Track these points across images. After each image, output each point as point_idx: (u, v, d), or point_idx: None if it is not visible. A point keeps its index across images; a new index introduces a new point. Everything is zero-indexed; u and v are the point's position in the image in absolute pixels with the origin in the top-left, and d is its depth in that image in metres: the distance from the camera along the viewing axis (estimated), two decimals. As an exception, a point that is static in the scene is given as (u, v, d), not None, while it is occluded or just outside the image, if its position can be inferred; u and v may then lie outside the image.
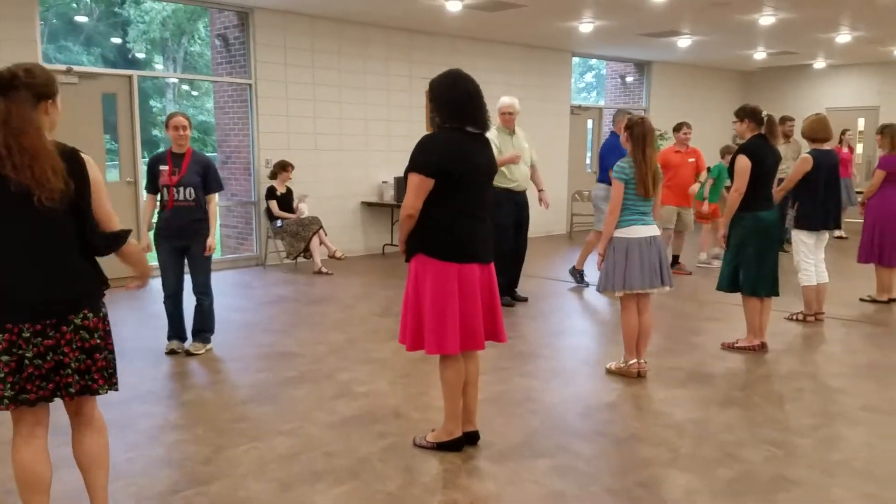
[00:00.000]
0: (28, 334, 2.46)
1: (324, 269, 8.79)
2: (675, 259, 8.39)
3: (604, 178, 7.50)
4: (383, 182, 10.45)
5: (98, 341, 2.60)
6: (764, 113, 5.37)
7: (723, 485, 3.31)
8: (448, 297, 3.38)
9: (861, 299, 7.16)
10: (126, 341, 5.82)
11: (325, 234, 9.04)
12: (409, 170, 3.42)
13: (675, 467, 3.49)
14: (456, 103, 3.47)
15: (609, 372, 4.96)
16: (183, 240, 5.20)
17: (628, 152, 4.71)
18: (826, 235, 6.33)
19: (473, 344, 3.50)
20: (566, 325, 6.41)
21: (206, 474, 3.40)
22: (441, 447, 3.62)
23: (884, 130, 7.30)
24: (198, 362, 5.21)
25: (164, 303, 5.41)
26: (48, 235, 2.50)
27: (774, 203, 5.54)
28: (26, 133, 2.41)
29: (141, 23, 24.96)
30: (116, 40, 25.78)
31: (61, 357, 2.51)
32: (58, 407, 2.66)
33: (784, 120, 9.56)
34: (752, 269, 5.33)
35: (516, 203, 6.78)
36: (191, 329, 5.44)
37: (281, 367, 5.06)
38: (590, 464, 3.54)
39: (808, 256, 6.21)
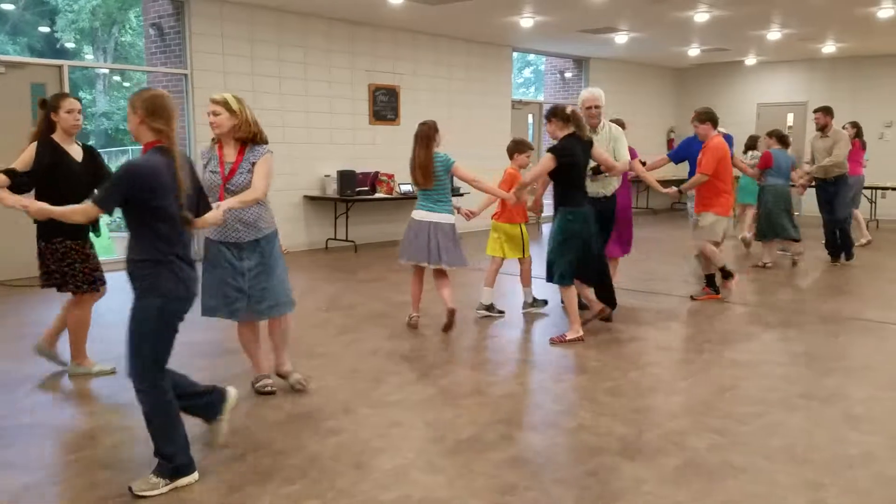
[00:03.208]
0: None
1: (265, 265, 8.62)
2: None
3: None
4: (326, 176, 10.32)
5: None
6: (569, 109, 5.46)
7: (670, 472, 3.36)
8: None
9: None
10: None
11: (266, 229, 8.86)
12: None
13: (624, 456, 3.53)
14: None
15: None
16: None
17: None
18: None
19: None
20: (510, 318, 6.43)
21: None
22: None
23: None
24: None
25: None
26: None
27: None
28: None
29: (70, 12, 24.08)
30: (44, 29, 24.83)
31: None
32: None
33: (818, 111, 9.00)
34: (572, 260, 5.44)
35: (598, 211, 5.83)
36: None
37: (223, 365, 4.93)
38: (540, 455, 3.55)
39: None
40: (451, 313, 5.67)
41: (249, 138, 4.02)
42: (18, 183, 4.24)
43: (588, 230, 5.49)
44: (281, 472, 3.33)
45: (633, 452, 3.58)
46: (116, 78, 26.88)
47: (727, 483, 3.26)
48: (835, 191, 8.77)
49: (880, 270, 8.80)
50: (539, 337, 5.87)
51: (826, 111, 8.78)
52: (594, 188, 5.96)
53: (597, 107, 5.94)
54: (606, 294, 6.14)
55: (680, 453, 3.57)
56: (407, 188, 10.82)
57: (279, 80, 9.83)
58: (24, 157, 4.35)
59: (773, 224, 8.55)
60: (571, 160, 5.34)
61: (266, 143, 4.12)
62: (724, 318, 6.39)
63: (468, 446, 3.63)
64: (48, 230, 4.39)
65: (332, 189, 10.23)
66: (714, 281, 7.01)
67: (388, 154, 11.19)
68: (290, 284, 4.27)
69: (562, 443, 3.71)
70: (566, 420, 4.02)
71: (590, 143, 5.51)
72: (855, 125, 10.72)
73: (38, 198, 4.12)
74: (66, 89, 8.26)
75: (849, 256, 9.04)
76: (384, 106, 11.12)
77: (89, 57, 25.63)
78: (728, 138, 7.73)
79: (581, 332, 5.58)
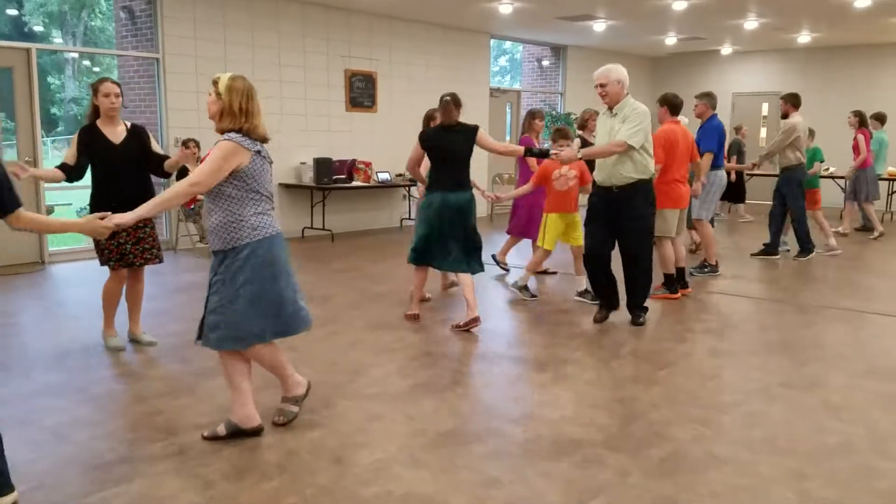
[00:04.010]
0: None
1: (240, 254, 8.48)
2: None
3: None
4: (301, 163, 10.18)
5: None
6: (445, 98, 5.60)
7: (655, 464, 3.33)
8: None
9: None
10: (26, 331, 5.47)
11: (241, 217, 8.72)
12: None
13: (608, 448, 3.50)
14: None
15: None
16: None
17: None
18: None
19: None
20: (488, 309, 6.38)
21: (121, 474, 3.19)
22: None
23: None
24: (107, 354, 4.92)
25: None
26: None
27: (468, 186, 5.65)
28: None
29: (37, -6, 23.56)
30: (12, 12, 24.25)
31: None
32: None
33: (781, 98, 8.74)
34: (418, 243, 5.65)
35: (604, 200, 5.64)
36: None
37: (196, 358, 4.82)
38: (523, 448, 3.50)
39: None
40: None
41: (233, 129, 3.35)
42: (72, 172, 4.71)
43: (439, 216, 5.51)
44: (258, 468, 3.25)
45: (618, 444, 3.54)
46: (86, 63, 26.38)
47: (712, 475, 3.24)
48: (780, 181, 8.59)
49: (854, 259, 8.87)
50: (519, 327, 5.82)
51: (786, 99, 8.52)
52: (599, 177, 5.62)
53: (601, 85, 5.46)
54: (609, 293, 5.86)
55: (664, 444, 3.54)
56: (385, 176, 10.73)
57: (252, 66, 9.65)
58: (71, 147, 4.78)
59: None
60: (429, 145, 5.61)
61: (256, 139, 3.39)
62: (700, 307, 6.40)
63: (450, 439, 3.57)
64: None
65: (308, 177, 10.10)
66: (672, 280, 6.64)
67: (366, 142, 11.08)
68: (245, 318, 3.40)
69: (545, 435, 3.66)
70: (548, 411, 3.97)
71: (471, 132, 5.53)
72: (858, 114, 10.57)
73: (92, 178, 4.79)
74: (34, 74, 8.05)
75: (806, 251, 8.68)
76: (361, 92, 10.98)
77: (58, 41, 25.13)
78: (718, 126, 7.64)
79: (416, 311, 5.83)
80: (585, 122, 8.37)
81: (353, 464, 3.30)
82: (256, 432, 3.56)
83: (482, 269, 5.73)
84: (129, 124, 4.93)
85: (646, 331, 5.60)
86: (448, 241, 5.54)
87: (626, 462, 3.35)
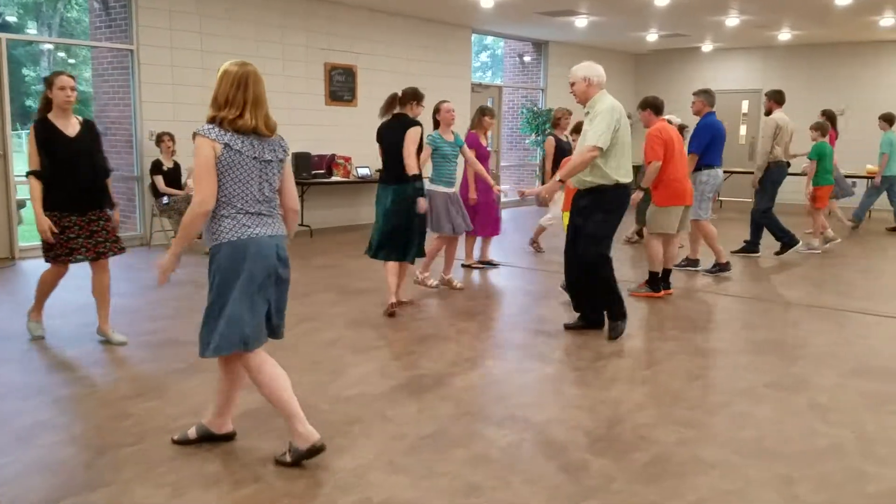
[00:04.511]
0: None
1: (216, 250, 8.32)
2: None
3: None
4: (279, 158, 10.00)
5: None
6: (399, 93, 5.85)
7: (640, 469, 3.24)
8: None
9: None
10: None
11: (217, 213, 8.55)
12: None
13: (592, 452, 3.40)
14: None
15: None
16: None
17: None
18: None
19: None
20: (473, 307, 6.28)
21: (87, 480, 3.05)
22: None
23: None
24: (74, 353, 4.75)
25: None
26: None
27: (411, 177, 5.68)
28: None
29: (10, -16, 23.08)
30: (-18, 2, 23.79)
31: None
32: None
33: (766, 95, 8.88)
34: (380, 235, 5.83)
35: (574, 200, 5.42)
36: None
37: (168, 357, 4.68)
38: (505, 452, 3.40)
39: None
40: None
41: (210, 120, 3.08)
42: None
43: (380, 207, 5.79)
44: (231, 475, 3.12)
45: (603, 448, 3.45)
46: (62, 54, 25.95)
47: (698, 479, 3.16)
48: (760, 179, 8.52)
49: (836, 257, 8.86)
50: (501, 327, 5.73)
51: (769, 95, 8.46)
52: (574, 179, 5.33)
53: (570, 84, 5.21)
54: (580, 301, 5.48)
55: (649, 448, 3.46)
56: (364, 171, 10.58)
57: (231, 57, 9.41)
58: (31, 147, 4.61)
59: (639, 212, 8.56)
60: (378, 139, 5.86)
61: (233, 129, 3.08)
62: (685, 306, 6.34)
63: (431, 443, 3.46)
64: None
65: (286, 172, 9.92)
66: (656, 279, 6.52)
67: (345, 136, 10.92)
68: (211, 329, 3.12)
69: (528, 438, 3.56)
70: (532, 413, 3.87)
71: (406, 127, 5.66)
72: (826, 114, 10.53)
73: (48, 173, 4.58)
74: (4, 64, 7.82)
75: (750, 248, 8.70)
76: (341, 86, 10.82)
77: (33, 32, 24.68)
78: (717, 125, 7.56)
79: (391, 300, 5.78)
80: (558, 121, 8.30)
81: (331, 469, 3.17)
82: (228, 438, 3.43)
83: (412, 262, 5.95)
84: (81, 118, 4.83)
85: (630, 329, 5.52)
86: (388, 231, 5.74)
87: (611, 467, 3.26)
